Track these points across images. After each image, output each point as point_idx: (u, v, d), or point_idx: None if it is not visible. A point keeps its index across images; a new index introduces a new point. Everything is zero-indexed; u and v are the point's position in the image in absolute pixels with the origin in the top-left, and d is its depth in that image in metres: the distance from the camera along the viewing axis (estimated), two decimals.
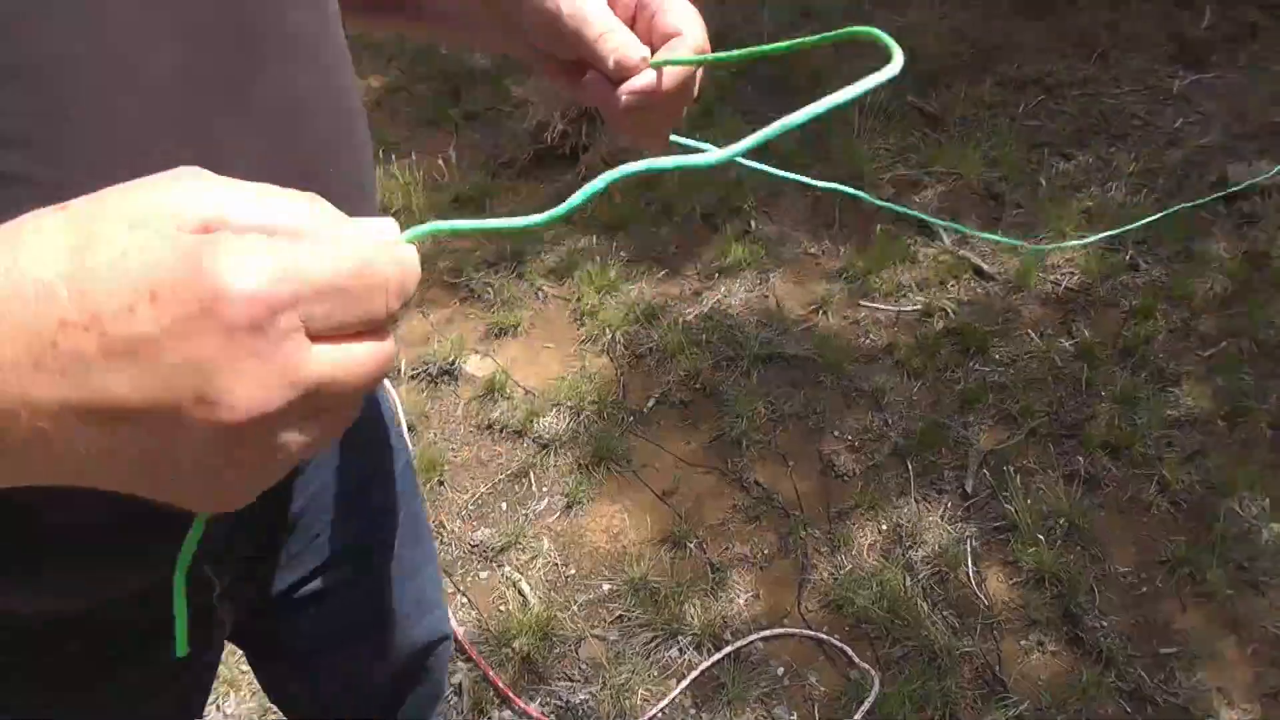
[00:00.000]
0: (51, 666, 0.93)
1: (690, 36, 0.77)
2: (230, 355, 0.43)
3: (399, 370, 3.10)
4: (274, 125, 0.72)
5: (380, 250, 0.48)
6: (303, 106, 0.76)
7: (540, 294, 3.33)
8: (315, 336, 0.46)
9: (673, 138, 0.90)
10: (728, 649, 2.38)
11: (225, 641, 1.15)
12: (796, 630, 2.42)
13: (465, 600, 2.55)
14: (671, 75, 0.77)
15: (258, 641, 1.28)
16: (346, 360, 0.47)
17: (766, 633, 2.42)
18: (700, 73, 0.82)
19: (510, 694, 2.33)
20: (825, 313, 3.19)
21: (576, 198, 0.57)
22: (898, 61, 0.58)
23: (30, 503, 0.65)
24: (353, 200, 0.61)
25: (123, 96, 0.61)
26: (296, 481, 1.07)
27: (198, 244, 0.43)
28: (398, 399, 2.97)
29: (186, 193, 0.45)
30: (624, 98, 0.77)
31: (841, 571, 2.51)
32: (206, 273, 0.43)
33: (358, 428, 1.14)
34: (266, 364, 0.44)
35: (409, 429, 2.91)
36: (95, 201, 0.45)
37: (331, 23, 0.81)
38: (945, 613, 2.39)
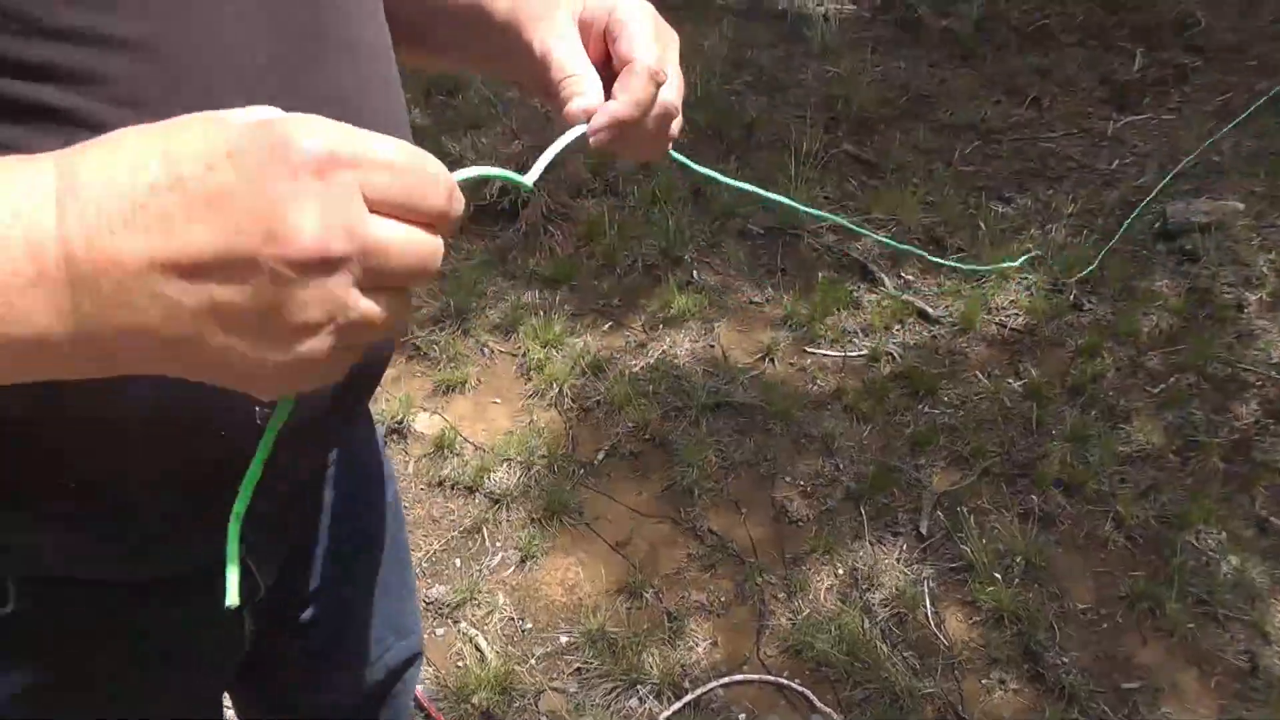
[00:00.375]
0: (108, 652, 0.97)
1: (639, 64, 0.82)
2: (296, 194, 0.48)
3: None
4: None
5: (433, 161, 0.54)
6: (360, 100, 0.83)
7: (486, 350, 3.31)
8: (375, 208, 0.51)
9: (672, 153, 0.95)
10: (688, 697, 2.36)
11: None
12: (757, 676, 2.40)
13: (422, 657, 2.50)
14: (625, 108, 0.81)
15: (251, 663, 1.28)
16: (403, 238, 0.52)
17: (726, 680, 2.40)
18: (673, 89, 0.85)
19: None
20: (772, 360, 3.20)
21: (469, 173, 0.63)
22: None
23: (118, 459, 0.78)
24: None
25: (226, 77, 0.71)
26: (323, 489, 1.14)
27: (268, 119, 0.50)
28: None
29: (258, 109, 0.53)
30: (590, 141, 0.82)
31: (799, 616, 2.49)
32: (276, 128, 0.49)
33: (354, 452, 1.17)
34: (329, 207, 0.49)
35: None
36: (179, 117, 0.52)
37: (385, 34, 0.90)
38: (905, 654, 2.38)
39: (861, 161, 4.04)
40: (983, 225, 3.58)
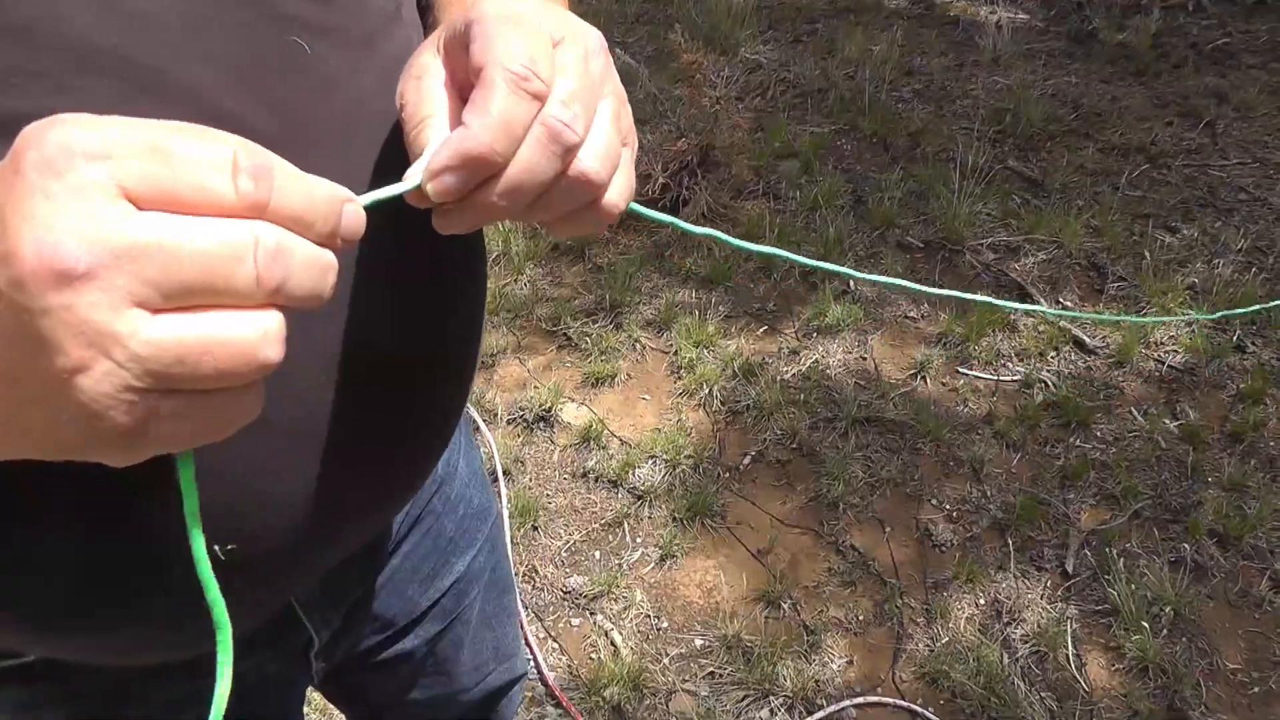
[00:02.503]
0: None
1: (489, 68, 0.56)
2: (18, 197, 0.40)
3: (496, 414, 3.13)
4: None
5: (251, 148, 0.45)
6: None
7: (637, 345, 3.35)
8: (146, 204, 0.42)
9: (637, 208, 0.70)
10: (820, 714, 2.37)
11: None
12: (891, 700, 2.40)
13: (557, 646, 2.56)
14: (467, 141, 0.55)
15: (334, 691, 1.34)
16: (190, 237, 0.42)
17: (860, 700, 2.40)
18: (598, 144, 0.60)
19: None
20: (924, 378, 3.18)
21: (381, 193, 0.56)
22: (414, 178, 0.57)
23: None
24: None
25: None
26: (390, 537, 1.10)
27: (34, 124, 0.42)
28: (494, 443, 3.00)
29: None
30: (430, 193, 0.59)
31: (938, 643, 2.49)
32: (27, 132, 0.42)
33: (450, 485, 1.16)
34: (60, 208, 0.40)
35: (504, 473, 2.93)
36: None
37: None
38: (1043, 694, 2.37)
39: (1026, 179, 3.99)
40: (1147, 255, 3.51)
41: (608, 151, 0.60)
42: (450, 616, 1.25)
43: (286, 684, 1.08)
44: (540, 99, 0.55)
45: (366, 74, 0.71)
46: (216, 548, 0.66)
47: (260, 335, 0.45)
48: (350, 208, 0.50)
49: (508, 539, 2.77)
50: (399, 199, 0.56)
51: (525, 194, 0.57)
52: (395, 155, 0.65)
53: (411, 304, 0.79)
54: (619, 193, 0.62)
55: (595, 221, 0.63)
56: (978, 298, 0.92)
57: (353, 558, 0.98)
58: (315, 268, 0.47)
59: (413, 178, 0.56)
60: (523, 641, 1.60)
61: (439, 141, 0.56)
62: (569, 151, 0.57)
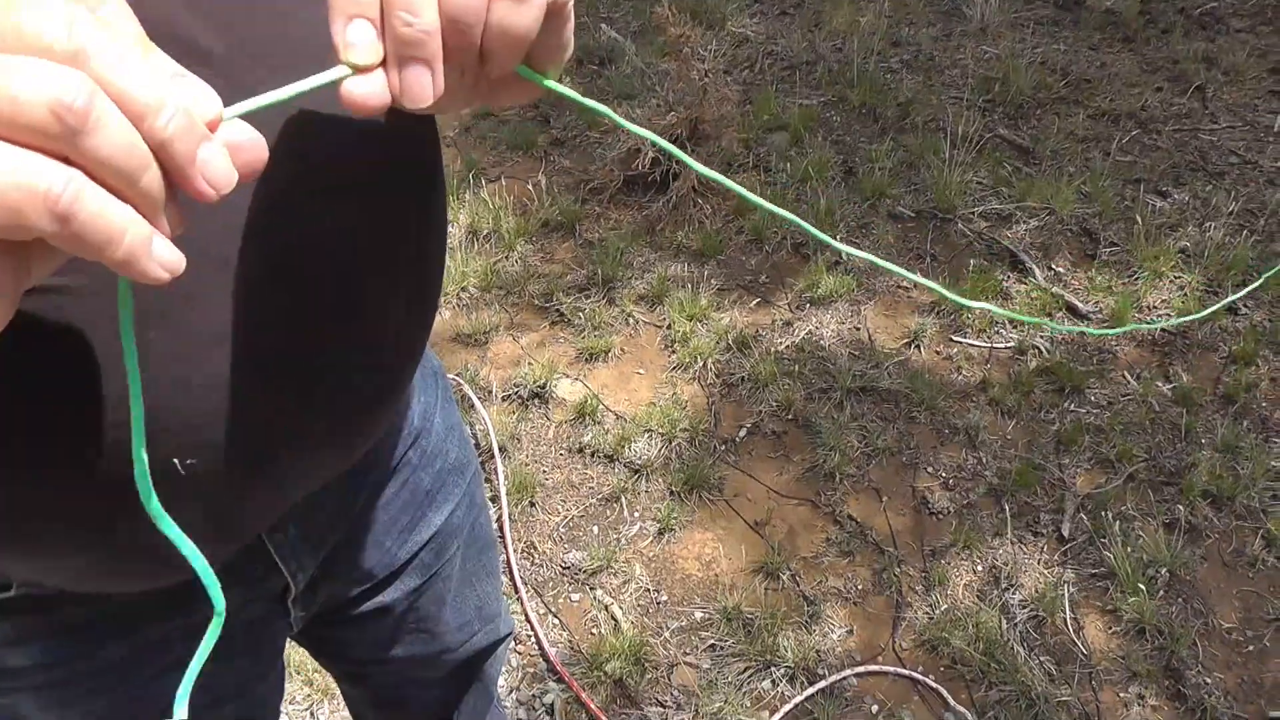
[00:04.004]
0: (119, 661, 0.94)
1: None
2: None
3: (491, 392, 3.13)
4: None
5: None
6: None
7: (631, 320, 3.35)
8: None
9: (549, 83, 0.59)
10: (822, 683, 2.38)
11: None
12: (891, 668, 2.42)
13: (557, 622, 2.57)
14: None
15: (316, 645, 1.35)
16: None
17: (861, 669, 2.42)
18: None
19: (602, 717, 2.35)
20: (918, 346, 3.19)
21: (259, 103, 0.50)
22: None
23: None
24: None
25: None
26: (362, 479, 1.09)
27: None
28: (489, 420, 3.00)
29: None
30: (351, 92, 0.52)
31: (937, 610, 2.51)
32: None
33: (426, 438, 1.15)
34: None
35: (500, 450, 2.93)
36: None
37: None
38: (1042, 658, 2.38)
39: (1016, 147, 3.98)
40: (1138, 219, 3.50)
41: None
42: (430, 571, 1.25)
43: (265, 628, 1.07)
44: None
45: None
46: (176, 461, 0.67)
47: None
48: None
49: (505, 515, 2.77)
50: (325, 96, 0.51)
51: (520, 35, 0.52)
52: None
53: (366, 216, 0.77)
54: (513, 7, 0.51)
55: (557, 31, 0.56)
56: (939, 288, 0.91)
57: (322, 500, 0.98)
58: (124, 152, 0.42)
59: (330, 73, 0.50)
60: (505, 600, 1.59)
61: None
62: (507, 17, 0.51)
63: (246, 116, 0.49)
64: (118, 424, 0.64)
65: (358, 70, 0.49)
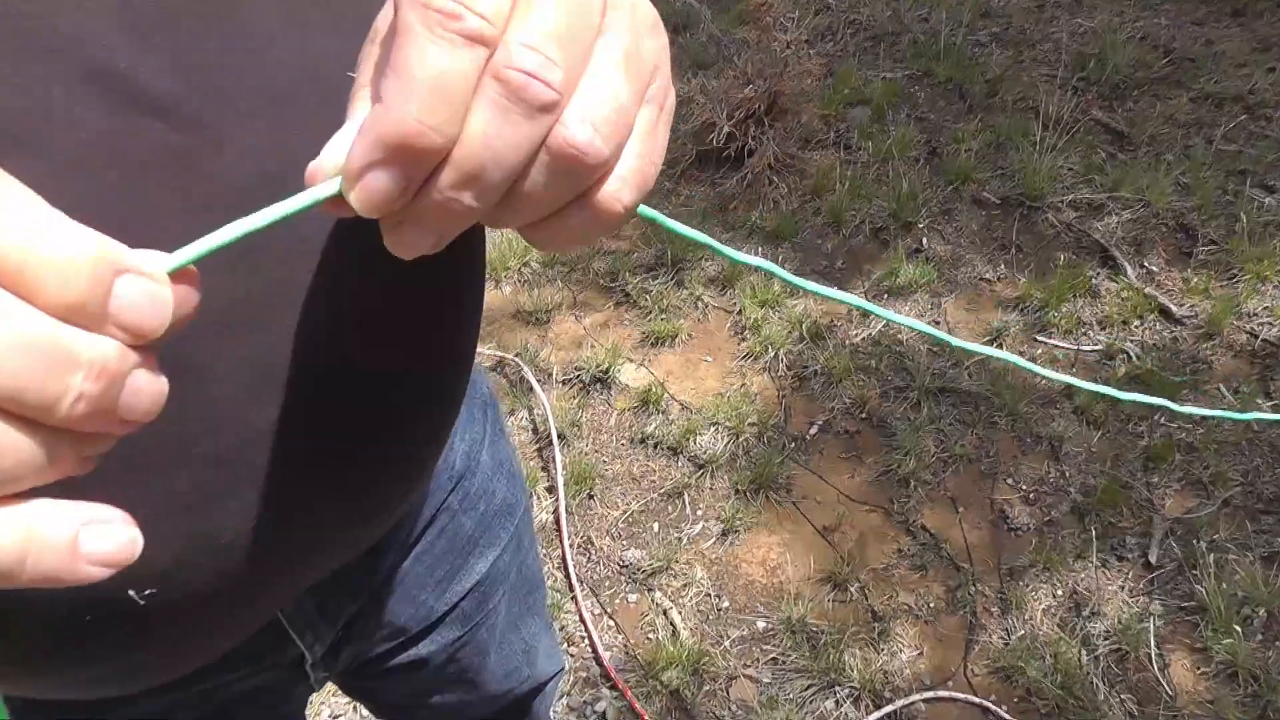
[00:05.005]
0: None
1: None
2: None
3: (551, 374, 3.02)
4: None
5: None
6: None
7: (700, 304, 3.22)
8: None
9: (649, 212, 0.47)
10: (888, 708, 2.27)
11: None
12: (962, 695, 2.30)
13: (613, 624, 2.48)
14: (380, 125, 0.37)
15: (342, 687, 1.23)
16: None
17: (929, 694, 2.30)
18: (596, 95, 0.40)
19: None
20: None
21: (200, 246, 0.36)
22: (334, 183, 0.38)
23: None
24: None
25: None
26: (391, 537, 0.97)
27: None
28: (548, 405, 2.90)
29: None
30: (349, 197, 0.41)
31: (1013, 636, 2.38)
32: None
33: (470, 479, 1.06)
34: None
35: (559, 437, 2.83)
36: None
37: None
38: (1124, 696, 2.25)
39: (1111, 131, 3.79)
40: (1242, 216, 3.31)
41: (608, 111, 0.39)
42: (471, 622, 1.13)
43: (279, 692, 0.97)
44: (483, 42, 0.36)
45: (317, 29, 0.54)
46: (132, 592, 0.58)
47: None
48: (133, 282, 0.33)
49: (562, 507, 2.67)
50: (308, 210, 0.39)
51: (490, 180, 0.37)
52: None
53: (375, 309, 0.65)
54: (627, 179, 0.41)
55: (589, 224, 0.41)
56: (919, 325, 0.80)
57: (341, 574, 0.85)
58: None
59: (326, 185, 0.38)
60: (555, 635, 1.48)
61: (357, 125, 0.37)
62: (544, 111, 0.37)
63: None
64: None
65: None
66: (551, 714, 2.27)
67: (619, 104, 0.39)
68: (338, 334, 0.62)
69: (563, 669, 1.48)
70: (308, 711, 1.14)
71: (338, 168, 0.37)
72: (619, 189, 0.41)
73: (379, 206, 0.37)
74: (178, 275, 0.35)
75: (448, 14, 0.35)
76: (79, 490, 0.34)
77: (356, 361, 0.65)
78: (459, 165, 0.37)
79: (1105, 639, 2.34)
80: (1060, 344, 3.04)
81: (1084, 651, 2.32)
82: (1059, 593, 2.45)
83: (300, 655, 0.92)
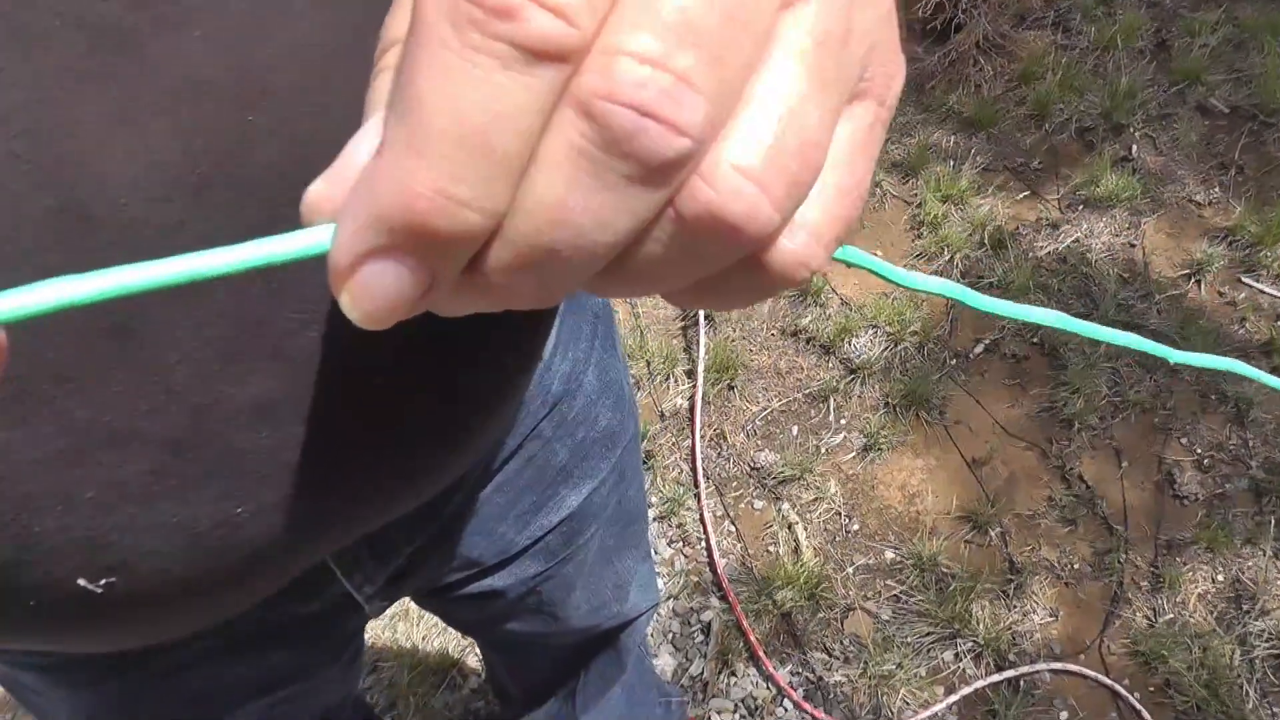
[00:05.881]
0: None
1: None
2: None
3: None
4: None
5: None
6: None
7: (878, 189, 2.99)
8: None
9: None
10: (1010, 672, 2.13)
11: None
12: (1092, 673, 2.14)
13: (733, 530, 2.37)
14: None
15: (419, 602, 1.12)
16: None
17: (1057, 665, 2.15)
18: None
19: (761, 653, 2.16)
20: (1199, 282, 2.75)
21: None
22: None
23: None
24: None
25: None
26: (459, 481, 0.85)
27: None
28: None
29: None
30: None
31: (1160, 618, 2.20)
32: None
33: (569, 403, 0.92)
34: None
35: (706, 318, 2.68)
36: None
37: None
38: (1277, 711, 2.07)
39: None
40: None
41: (786, 145, 0.23)
42: (557, 558, 1.02)
43: (328, 620, 0.86)
44: (557, 57, 0.21)
45: (287, 29, 0.44)
46: (82, 581, 0.53)
47: None
48: None
49: (700, 394, 2.54)
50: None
51: (571, 263, 0.23)
52: None
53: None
54: (817, 233, 0.26)
55: (757, 291, 0.27)
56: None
57: (395, 521, 0.71)
58: None
59: (315, 234, 0.24)
60: (652, 568, 1.37)
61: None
62: (667, 171, 0.22)
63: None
64: None
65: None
66: (654, 620, 2.20)
67: (805, 136, 0.24)
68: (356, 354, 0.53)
69: (656, 604, 1.39)
70: None
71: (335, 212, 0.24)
72: (806, 251, 0.26)
73: (385, 315, 0.23)
74: None
75: (493, 9, 0.20)
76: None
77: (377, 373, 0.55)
78: (515, 244, 0.23)
79: (1266, 641, 2.14)
80: (1268, 290, 2.74)
81: (1239, 651, 2.13)
82: (1220, 578, 2.25)
83: (347, 593, 0.82)
